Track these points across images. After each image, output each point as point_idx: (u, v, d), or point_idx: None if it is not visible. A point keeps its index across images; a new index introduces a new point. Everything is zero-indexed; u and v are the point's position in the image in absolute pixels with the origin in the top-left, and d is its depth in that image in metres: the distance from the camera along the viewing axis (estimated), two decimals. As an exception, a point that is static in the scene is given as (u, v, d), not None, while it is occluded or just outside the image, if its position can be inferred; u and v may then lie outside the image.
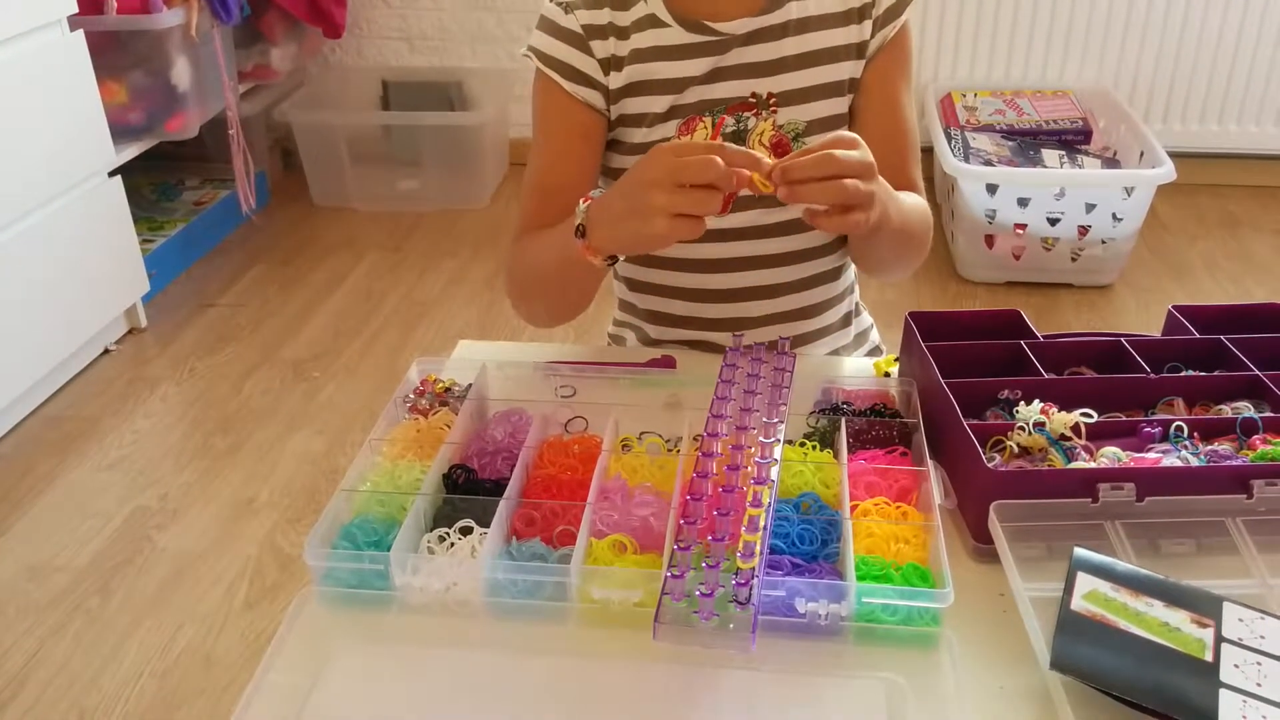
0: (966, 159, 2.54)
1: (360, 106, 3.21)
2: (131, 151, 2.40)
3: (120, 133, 2.33)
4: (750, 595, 0.66)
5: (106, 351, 2.35)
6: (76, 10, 2.14)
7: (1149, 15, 2.86)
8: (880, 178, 0.85)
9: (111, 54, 2.34)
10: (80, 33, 2.15)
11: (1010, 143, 2.69)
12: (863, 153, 0.82)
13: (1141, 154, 2.58)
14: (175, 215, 2.80)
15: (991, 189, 2.44)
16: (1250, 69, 2.89)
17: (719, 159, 0.78)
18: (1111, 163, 2.66)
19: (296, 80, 3.20)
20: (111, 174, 2.29)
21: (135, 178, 2.45)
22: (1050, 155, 2.64)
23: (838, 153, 0.80)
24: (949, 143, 2.60)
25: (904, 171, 1.06)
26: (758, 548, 0.69)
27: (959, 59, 2.98)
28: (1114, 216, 2.44)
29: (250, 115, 2.92)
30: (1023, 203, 2.44)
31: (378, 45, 3.26)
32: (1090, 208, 2.43)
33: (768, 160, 0.81)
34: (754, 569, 0.68)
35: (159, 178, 2.93)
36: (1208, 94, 2.93)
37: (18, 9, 1.99)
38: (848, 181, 0.80)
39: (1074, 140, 2.74)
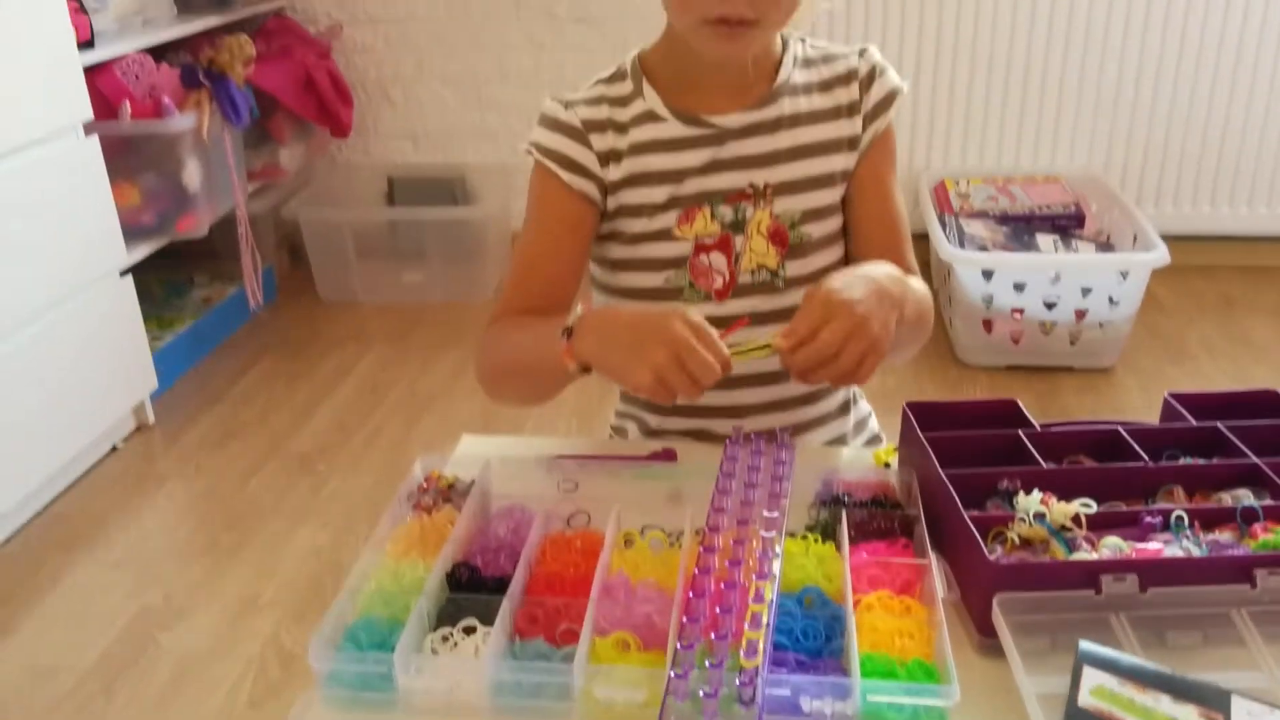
0: (961, 245, 2.58)
1: (366, 203, 3.27)
2: (143, 251, 2.45)
3: (132, 233, 2.38)
4: (755, 695, 0.66)
5: (114, 449, 2.36)
6: (92, 117, 2.20)
7: (1136, 101, 2.94)
8: (881, 296, 0.89)
9: (125, 157, 2.40)
10: (95, 138, 2.21)
11: (1004, 228, 2.73)
12: (841, 318, 0.86)
13: (1135, 237, 2.62)
14: (184, 312, 2.84)
15: (987, 274, 2.47)
16: (1239, 152, 2.95)
17: (719, 369, 0.85)
18: (1105, 247, 2.69)
19: (304, 178, 3.27)
20: (123, 273, 2.33)
21: (145, 275, 2.50)
22: (1044, 240, 2.68)
23: (824, 336, 0.86)
24: (944, 229, 2.64)
25: (899, 258, 1.09)
26: (761, 645, 0.69)
27: (951, 147, 3.04)
28: (1110, 300, 2.46)
29: (259, 213, 2.98)
30: (1019, 287, 2.47)
31: (383, 143, 3.34)
32: (1086, 291, 2.46)
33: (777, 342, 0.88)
34: (758, 667, 0.68)
35: (168, 275, 2.98)
36: (1198, 177, 2.99)
37: (36, 116, 2.05)
38: (843, 358, 0.86)
39: (1067, 225, 2.79)
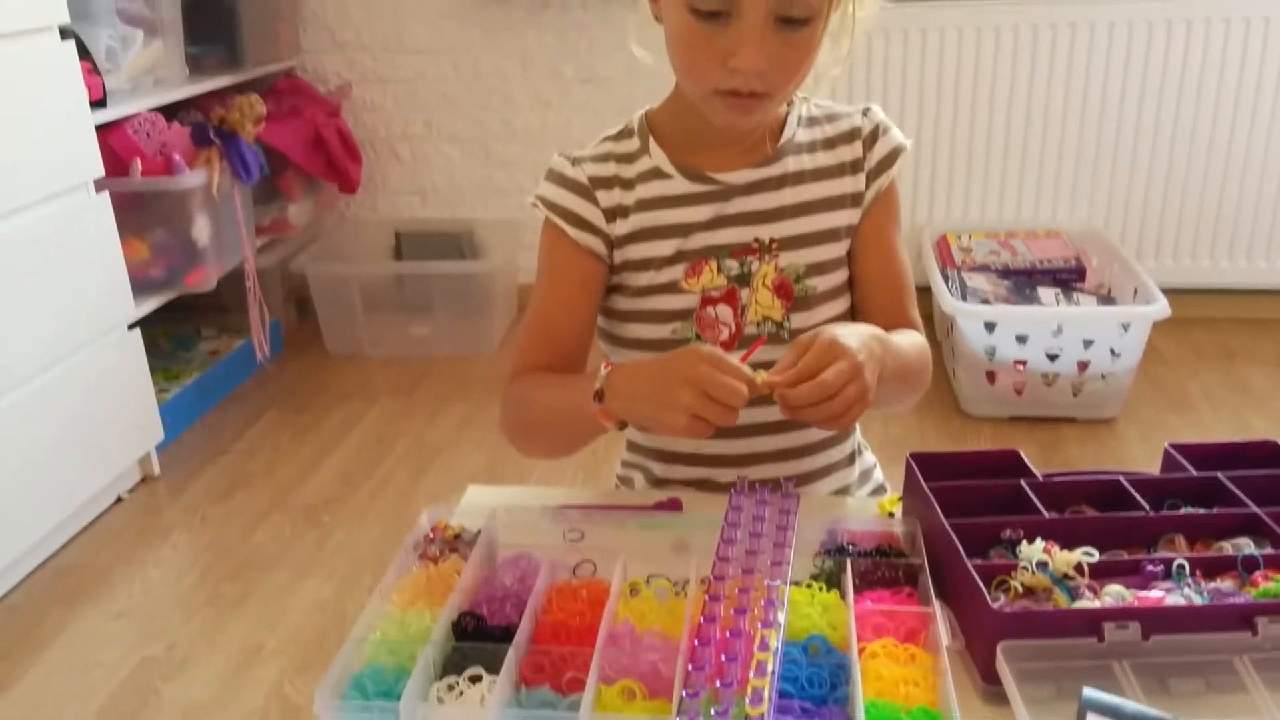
0: (964, 298, 2.60)
1: (374, 257, 3.31)
2: (151, 304, 2.48)
3: (141, 287, 2.40)
4: (760, 741, 0.67)
5: (119, 500, 2.37)
6: (103, 173, 2.24)
7: (1135, 157, 2.97)
8: (870, 352, 0.93)
9: (135, 213, 2.44)
10: (106, 194, 2.25)
11: (1006, 281, 2.75)
12: (844, 361, 0.90)
13: (1135, 290, 2.64)
14: (191, 365, 2.86)
15: (990, 326, 2.49)
16: (1238, 206, 2.98)
17: (745, 391, 0.89)
18: (1106, 300, 2.72)
19: (312, 233, 3.31)
20: (131, 327, 2.35)
21: (153, 328, 2.52)
22: (1046, 293, 2.70)
23: (827, 376, 0.89)
24: (946, 282, 2.66)
25: (903, 311, 1.13)
26: (766, 693, 0.70)
27: (953, 202, 3.08)
28: (1112, 352, 2.48)
29: (267, 267, 3.02)
30: (1021, 339, 2.49)
31: (391, 199, 3.38)
32: (1088, 344, 2.47)
33: (764, 378, 0.92)
34: (763, 714, 0.68)
35: (176, 328, 3.01)
36: (1197, 231, 3.02)
37: (49, 173, 2.09)
38: (837, 400, 0.90)
39: (1068, 278, 2.81)
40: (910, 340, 1.08)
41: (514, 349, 1.14)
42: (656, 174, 1.10)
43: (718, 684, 0.71)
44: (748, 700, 0.69)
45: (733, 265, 1.09)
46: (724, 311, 1.10)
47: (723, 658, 0.73)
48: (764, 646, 0.74)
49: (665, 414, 0.90)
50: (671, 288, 1.10)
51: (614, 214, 1.10)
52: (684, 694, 0.71)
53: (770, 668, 0.72)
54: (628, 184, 1.10)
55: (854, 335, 0.93)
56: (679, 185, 1.09)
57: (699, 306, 1.10)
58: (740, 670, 0.72)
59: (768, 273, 1.10)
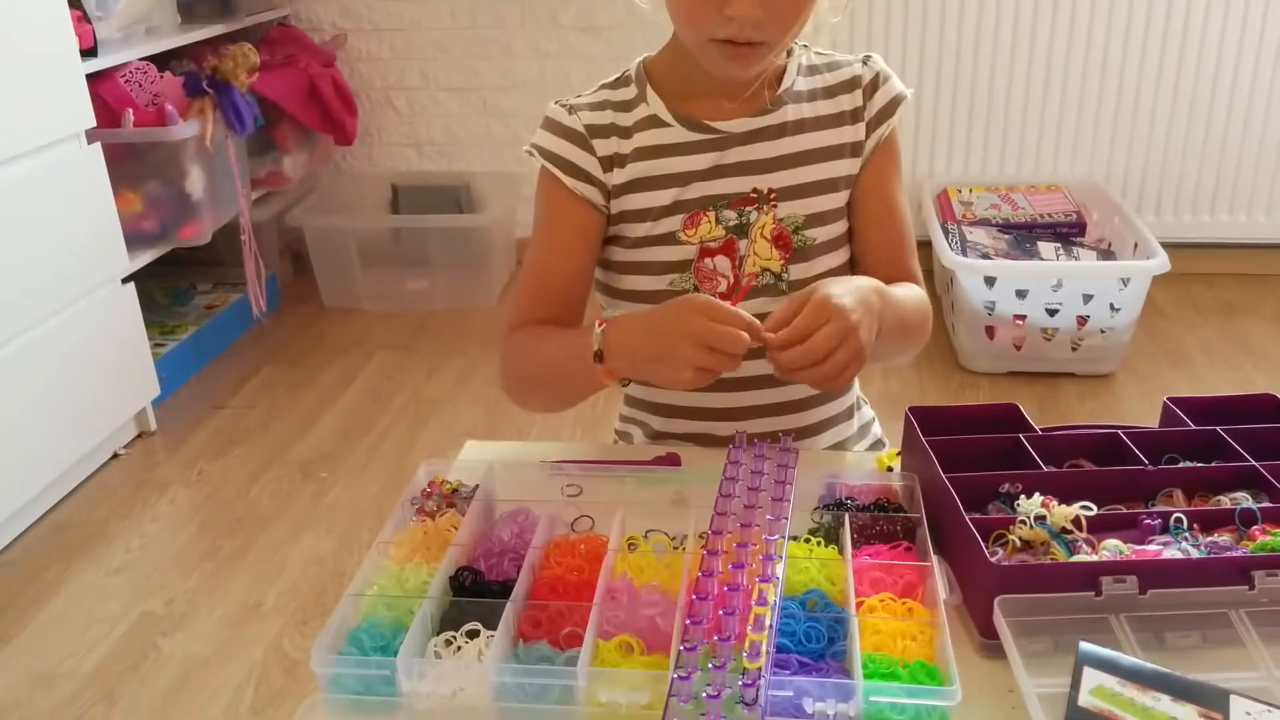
0: (964, 252, 2.58)
1: (370, 210, 3.28)
2: (145, 258, 2.46)
3: (135, 240, 2.39)
4: (757, 696, 0.67)
5: (116, 456, 2.37)
6: (94, 124, 2.21)
7: (1136, 111, 2.94)
8: (867, 308, 0.92)
9: (128, 165, 2.41)
10: (98, 145, 2.22)
11: (1006, 236, 2.74)
12: (836, 323, 0.89)
13: (1136, 245, 2.63)
14: (187, 319, 2.84)
15: (990, 281, 2.48)
16: (1238, 161, 2.96)
17: (747, 337, 0.88)
18: (1106, 254, 2.70)
19: (308, 186, 3.28)
20: (125, 281, 2.34)
21: (147, 283, 2.50)
22: (1046, 248, 2.68)
23: (817, 339, 0.88)
24: (946, 237, 2.64)
25: (902, 264, 1.12)
26: (764, 647, 0.70)
27: (954, 156, 3.05)
28: (1111, 306, 2.47)
29: (262, 220, 2.99)
30: (1021, 294, 2.48)
31: (387, 151, 3.35)
32: (1088, 298, 2.46)
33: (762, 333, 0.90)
34: (760, 669, 0.68)
35: (171, 282, 2.99)
36: (1198, 186, 3.00)
37: (39, 124, 2.06)
38: (828, 364, 0.89)
39: (1069, 233, 2.79)
40: (910, 294, 1.07)
41: (511, 301, 1.13)
42: (654, 122, 1.08)
43: (715, 639, 0.71)
44: (745, 654, 0.69)
45: (730, 216, 1.08)
46: (722, 263, 1.09)
47: (720, 612, 0.73)
48: (762, 601, 0.74)
49: (669, 371, 0.90)
50: (669, 239, 1.09)
51: (611, 163, 1.08)
52: (681, 648, 0.71)
53: (768, 622, 0.72)
54: (625, 132, 1.08)
55: (850, 292, 0.92)
56: (677, 134, 1.08)
57: (697, 258, 1.09)
58: (738, 624, 0.72)
59: (766, 223, 1.09)
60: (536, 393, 1.14)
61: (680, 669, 0.69)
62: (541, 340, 1.08)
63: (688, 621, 0.73)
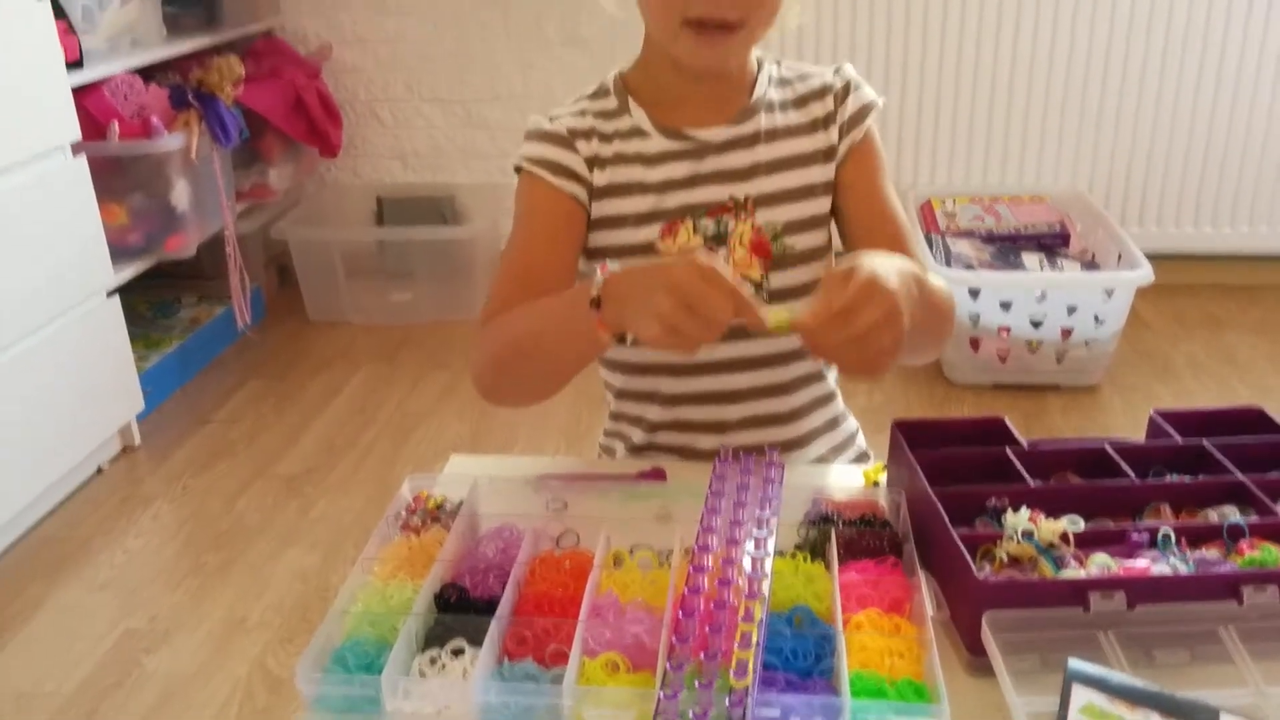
0: (948, 264, 2.59)
1: (355, 222, 3.27)
2: (130, 271, 2.44)
3: (120, 253, 2.37)
4: (744, 715, 0.66)
5: (100, 470, 2.35)
6: (80, 136, 2.20)
7: (1119, 122, 2.96)
8: (909, 293, 0.84)
9: (113, 177, 2.40)
10: (83, 158, 2.21)
11: (990, 247, 2.74)
12: (881, 305, 0.80)
13: (1119, 256, 2.64)
14: (171, 332, 2.82)
15: (974, 293, 2.49)
16: (1222, 172, 2.98)
17: (728, 308, 0.81)
18: (1090, 265, 2.71)
19: (293, 198, 3.27)
20: (110, 294, 2.32)
21: (132, 296, 2.49)
22: (1030, 259, 2.69)
23: (864, 317, 0.80)
24: (930, 248, 2.65)
25: (906, 253, 1.04)
26: (751, 665, 0.69)
27: (937, 166, 3.06)
28: (1095, 318, 2.48)
29: (247, 233, 2.98)
30: (1005, 306, 2.48)
31: (372, 163, 3.34)
32: (1072, 310, 2.47)
33: (788, 318, 0.83)
34: (748, 687, 0.68)
35: (156, 295, 2.97)
36: (1181, 197, 3.02)
37: (24, 136, 2.05)
38: (871, 343, 0.81)
39: (1052, 244, 2.80)
40: (941, 286, 1.01)
41: (490, 293, 1.07)
42: (636, 133, 1.09)
43: (701, 656, 0.71)
44: (732, 673, 0.69)
45: (709, 224, 1.08)
46: None
47: (707, 629, 0.73)
48: (748, 618, 0.73)
49: (641, 320, 0.84)
50: (646, 248, 1.09)
51: (593, 163, 1.09)
52: (668, 666, 0.70)
53: (755, 639, 0.72)
54: (605, 137, 1.09)
55: (894, 272, 0.84)
56: (656, 143, 1.08)
57: None
58: (724, 642, 0.72)
59: (744, 231, 1.08)
60: (520, 367, 1.03)
61: (666, 688, 0.68)
62: (526, 311, 1.01)
63: (674, 639, 0.73)
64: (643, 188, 1.08)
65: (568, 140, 1.08)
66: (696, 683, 0.68)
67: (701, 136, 1.08)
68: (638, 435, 1.19)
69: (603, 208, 1.09)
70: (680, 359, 1.10)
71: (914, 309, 0.85)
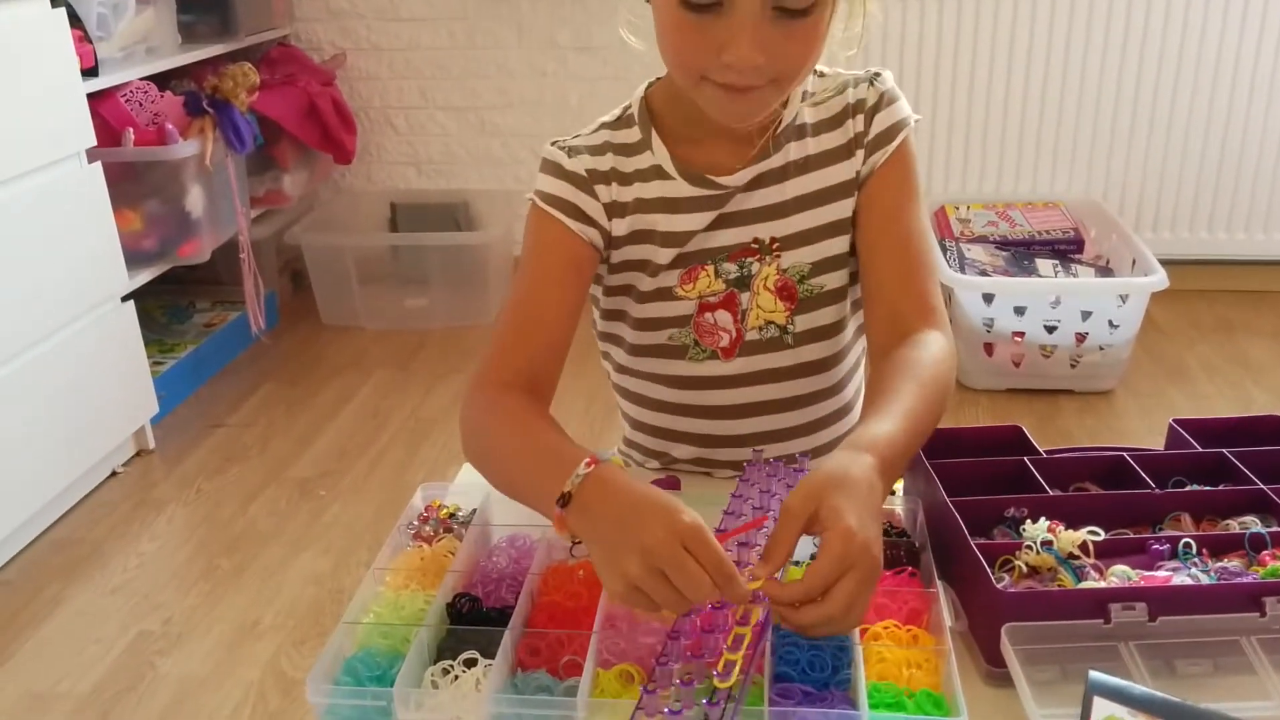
0: (962, 269, 2.58)
1: (369, 228, 3.28)
2: (145, 277, 2.45)
3: (134, 259, 2.38)
4: (722, 716, 0.66)
5: (114, 474, 2.36)
6: (95, 143, 2.21)
7: (1134, 128, 2.95)
8: (876, 518, 0.75)
9: (128, 184, 2.41)
10: (98, 164, 2.22)
11: (1004, 253, 2.73)
12: (859, 573, 0.71)
13: (1134, 262, 2.63)
14: (185, 337, 2.83)
15: (988, 298, 2.47)
16: (1236, 178, 2.96)
17: (707, 587, 0.69)
18: (1105, 271, 2.70)
19: (307, 204, 3.28)
20: (124, 299, 2.33)
21: (146, 301, 2.50)
22: (1044, 265, 2.68)
23: (841, 592, 0.70)
24: (945, 254, 2.64)
25: (916, 291, 0.99)
26: (737, 667, 0.68)
27: (951, 173, 3.05)
28: (1110, 323, 2.46)
29: (261, 239, 2.99)
30: (1019, 311, 2.47)
31: (387, 170, 3.35)
32: (1086, 315, 2.46)
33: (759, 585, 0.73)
34: (731, 689, 0.67)
35: (170, 300, 2.98)
36: (1195, 203, 3.00)
37: (39, 143, 2.06)
38: (852, 615, 0.72)
39: (1067, 250, 2.79)
40: (921, 394, 0.87)
41: (490, 340, 1.02)
42: (658, 173, 1.02)
43: (689, 655, 0.71)
44: (716, 674, 0.68)
45: (731, 268, 1.03)
46: (723, 317, 1.05)
47: (702, 630, 0.73)
48: (744, 621, 0.73)
49: (605, 570, 0.73)
50: (666, 294, 1.05)
51: (612, 210, 1.03)
52: (656, 664, 0.69)
53: (747, 641, 0.71)
54: (626, 179, 1.02)
55: (866, 511, 0.73)
56: (679, 188, 1.02)
57: (696, 313, 1.05)
58: (718, 643, 0.71)
59: (769, 274, 1.03)
60: (489, 477, 0.95)
61: (652, 684, 0.68)
62: (510, 433, 0.92)
63: (668, 637, 0.72)
64: (664, 236, 1.02)
65: (586, 182, 1.02)
66: (678, 680, 0.68)
67: (726, 182, 1.01)
68: (653, 443, 1.17)
69: (625, 253, 1.04)
70: (698, 398, 1.06)
71: (881, 521, 0.76)
